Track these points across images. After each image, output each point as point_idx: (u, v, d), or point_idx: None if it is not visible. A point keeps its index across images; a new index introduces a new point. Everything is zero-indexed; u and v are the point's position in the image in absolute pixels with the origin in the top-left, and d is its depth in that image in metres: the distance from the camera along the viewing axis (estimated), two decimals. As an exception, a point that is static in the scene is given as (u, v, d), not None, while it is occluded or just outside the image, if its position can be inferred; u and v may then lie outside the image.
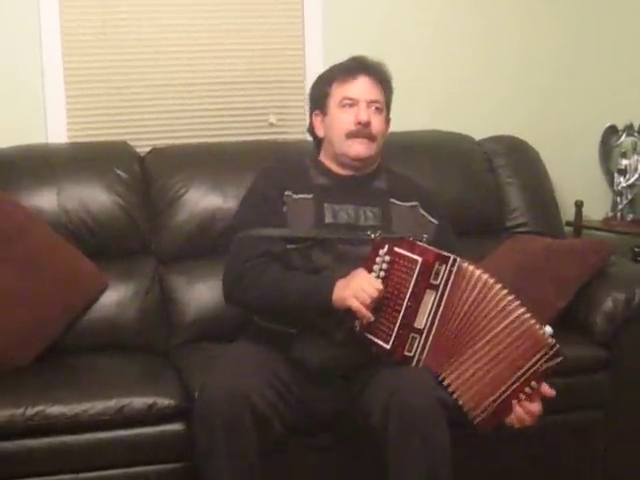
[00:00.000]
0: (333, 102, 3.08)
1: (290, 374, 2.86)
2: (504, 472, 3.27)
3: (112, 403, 2.91)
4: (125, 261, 3.50)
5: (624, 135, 4.29)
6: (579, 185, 4.29)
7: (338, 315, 2.80)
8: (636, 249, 4.22)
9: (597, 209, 4.32)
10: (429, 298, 2.72)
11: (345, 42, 3.99)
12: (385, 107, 3.12)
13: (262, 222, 3.01)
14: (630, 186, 4.27)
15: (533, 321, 2.72)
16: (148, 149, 3.74)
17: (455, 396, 2.77)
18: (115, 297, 3.42)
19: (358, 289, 2.73)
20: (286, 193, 3.03)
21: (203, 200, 3.52)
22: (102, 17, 3.79)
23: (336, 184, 3.10)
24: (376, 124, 3.06)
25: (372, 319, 2.74)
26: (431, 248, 2.77)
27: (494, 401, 2.74)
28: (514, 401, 2.74)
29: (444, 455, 2.69)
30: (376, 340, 2.76)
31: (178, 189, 3.57)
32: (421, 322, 2.73)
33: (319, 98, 3.14)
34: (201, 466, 2.76)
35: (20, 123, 3.72)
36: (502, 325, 2.73)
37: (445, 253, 2.75)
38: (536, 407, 2.77)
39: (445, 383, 2.77)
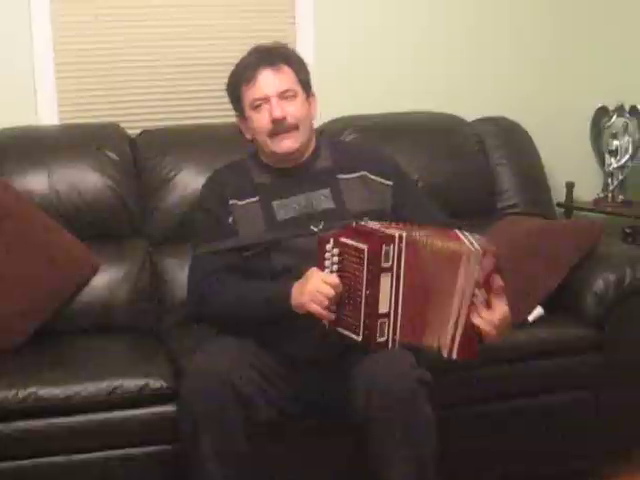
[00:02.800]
0: (246, 106, 3.02)
1: (275, 360, 2.86)
2: (493, 451, 3.28)
3: (104, 385, 2.92)
4: (116, 243, 3.50)
5: (615, 116, 4.29)
6: (570, 166, 4.30)
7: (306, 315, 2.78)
8: (627, 230, 4.22)
9: (588, 190, 4.33)
10: (386, 281, 2.67)
11: (337, 22, 4.00)
12: (301, 87, 3.03)
13: (212, 237, 2.99)
14: (621, 167, 4.27)
15: (440, 243, 2.68)
16: (139, 131, 3.74)
17: (425, 348, 2.74)
18: (106, 279, 3.42)
19: (314, 292, 2.70)
20: (230, 202, 3.00)
21: (194, 182, 3.50)
22: (93, -1, 3.78)
23: (279, 179, 3.05)
24: (294, 112, 2.98)
25: (333, 318, 2.71)
26: (377, 229, 2.73)
27: (454, 328, 2.70)
28: (472, 318, 2.69)
29: (428, 435, 2.70)
30: (347, 333, 2.72)
31: (169, 171, 3.57)
32: (385, 306, 2.68)
33: (235, 102, 3.08)
34: (186, 448, 2.76)
35: (11, 105, 3.71)
36: (432, 266, 2.68)
37: (390, 231, 2.69)
38: (497, 313, 2.72)
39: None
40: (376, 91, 4.05)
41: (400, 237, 2.67)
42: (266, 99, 2.97)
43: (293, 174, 3.06)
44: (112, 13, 3.82)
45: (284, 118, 2.96)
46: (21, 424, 2.87)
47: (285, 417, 2.88)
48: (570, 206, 4.26)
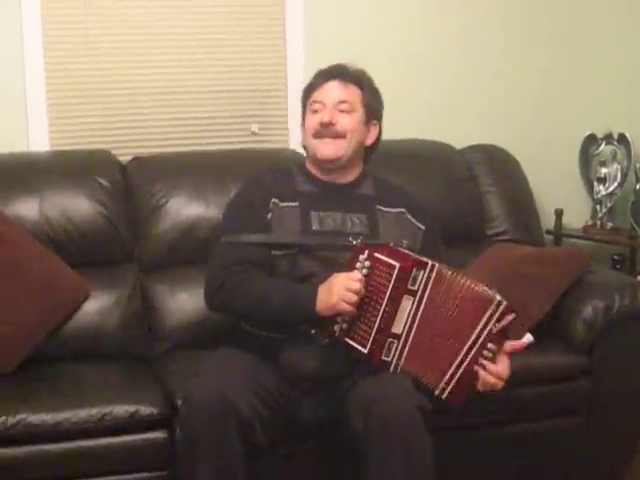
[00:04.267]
0: (308, 109, 3.12)
1: (275, 381, 2.86)
2: (483, 476, 3.29)
3: (94, 411, 2.91)
4: (107, 269, 3.50)
5: (603, 144, 4.32)
6: (559, 193, 4.32)
7: (319, 320, 2.81)
8: (615, 257, 4.26)
9: (577, 217, 4.35)
10: (407, 303, 2.73)
11: (326, 52, 3.99)
12: (364, 109, 3.11)
13: (245, 228, 3.01)
14: (609, 194, 4.29)
15: (474, 285, 2.74)
16: (130, 157, 3.74)
17: (417, 377, 2.77)
18: (97, 305, 3.41)
19: (343, 291, 2.74)
20: (273, 200, 3.04)
21: (185, 209, 3.53)
22: (85, 25, 3.80)
23: (322, 191, 3.11)
24: (344, 123, 3.05)
25: (346, 327, 2.76)
26: (410, 254, 2.78)
27: (455, 371, 2.74)
28: (476, 367, 2.74)
29: (425, 461, 2.70)
30: (354, 344, 2.77)
31: (160, 197, 3.57)
32: (399, 327, 2.74)
33: (303, 107, 3.17)
34: (185, 472, 2.75)
35: (2, 131, 3.72)
36: (452, 301, 2.75)
37: (424, 259, 2.76)
38: (500, 368, 2.77)
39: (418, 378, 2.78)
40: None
41: (432, 266, 2.73)
42: (323, 104, 3.06)
43: (335, 191, 3.11)
44: (103, 40, 3.83)
45: (331, 123, 3.03)
46: (10, 450, 2.86)
47: (281, 443, 2.88)
48: (559, 233, 4.28)
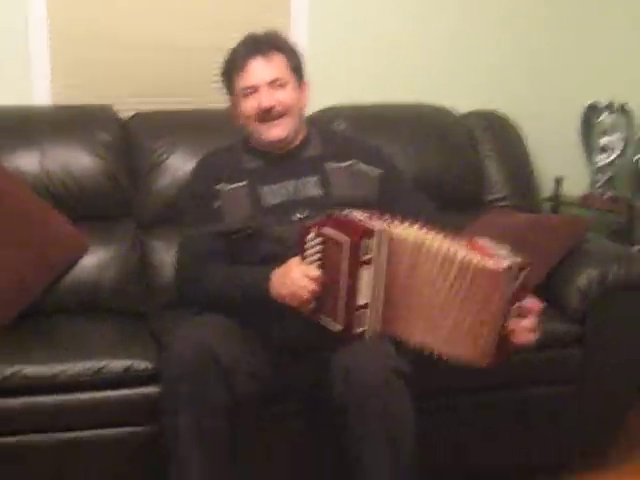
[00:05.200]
0: (238, 93, 3.08)
1: (260, 341, 2.89)
2: (473, 444, 3.32)
3: (90, 365, 2.94)
4: (106, 224, 3.51)
5: (605, 113, 4.31)
6: (559, 161, 4.31)
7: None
8: (613, 227, 4.26)
9: (576, 186, 4.34)
10: (366, 273, 2.68)
11: (329, 12, 4.01)
12: (292, 74, 3.08)
13: (199, 221, 3.03)
14: (610, 164, 4.29)
15: (478, 258, 2.62)
16: (132, 114, 3.74)
17: (445, 357, 2.71)
18: (95, 260, 3.43)
19: (295, 287, 2.73)
20: (217, 187, 3.05)
21: (185, 165, 3.51)
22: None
23: (269, 164, 3.10)
24: (284, 99, 3.03)
25: (312, 309, 2.74)
26: (358, 220, 2.72)
27: (486, 342, 2.66)
28: (508, 328, 2.67)
29: (405, 425, 2.71)
30: (326, 322, 2.75)
31: (160, 154, 3.58)
32: (365, 297, 2.70)
33: (227, 89, 3.14)
34: (166, 424, 2.76)
35: (4, 84, 3.71)
36: (451, 277, 2.66)
37: (372, 224, 2.69)
38: (529, 322, 2.72)
39: (427, 350, 2.73)
40: (366, 81, 4.07)
41: (381, 230, 2.68)
42: (255, 87, 3.02)
43: (282, 160, 3.10)
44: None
45: (272, 107, 3.01)
46: (6, 401, 2.88)
47: (265, 394, 2.89)
48: (558, 201, 4.28)
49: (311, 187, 3.06)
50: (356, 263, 2.67)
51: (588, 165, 4.36)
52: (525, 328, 2.72)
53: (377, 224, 2.70)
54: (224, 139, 3.25)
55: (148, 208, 3.59)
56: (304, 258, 2.77)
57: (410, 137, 3.81)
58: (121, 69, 3.88)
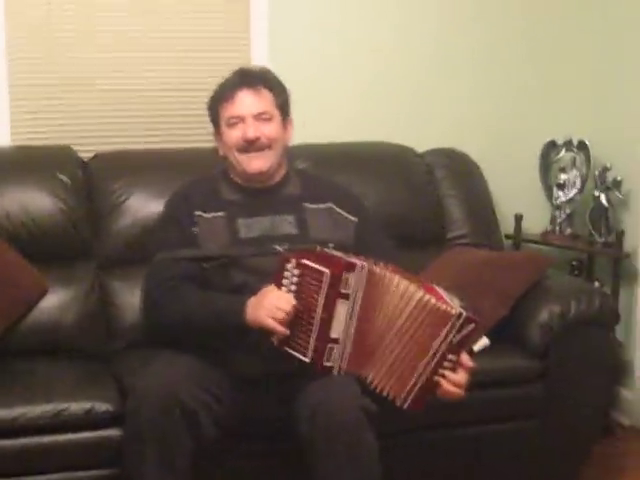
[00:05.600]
0: (223, 123, 3.10)
1: (225, 378, 2.87)
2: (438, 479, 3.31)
3: (50, 407, 2.91)
4: (66, 266, 3.49)
5: (563, 150, 4.34)
6: (519, 199, 4.34)
7: (256, 331, 2.79)
8: (574, 263, 4.29)
9: (536, 223, 4.37)
10: (342, 307, 2.70)
11: (291, 52, 4.02)
12: (278, 110, 3.11)
13: (174, 245, 3.03)
14: (568, 201, 4.31)
15: (433, 300, 2.71)
16: (92, 154, 3.73)
17: (378, 389, 2.76)
18: (55, 301, 3.40)
19: (272, 308, 2.72)
20: (196, 213, 3.05)
21: (145, 206, 3.52)
22: (47, 18, 3.79)
23: (247, 198, 3.12)
24: (269, 133, 3.06)
25: (288, 334, 2.74)
26: (339, 255, 2.78)
27: (415, 382, 2.73)
28: (436, 377, 2.73)
29: (371, 463, 2.71)
30: (295, 353, 2.75)
31: (120, 195, 3.57)
32: (337, 331, 2.72)
33: (213, 120, 3.17)
34: (131, 468, 2.75)
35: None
36: (406, 313, 2.73)
37: (354, 260, 2.74)
38: (460, 377, 2.77)
39: (368, 381, 2.77)
40: (329, 121, 4.08)
41: (362, 266, 2.71)
42: (242, 118, 3.05)
43: (261, 195, 3.12)
44: (66, 37, 3.82)
45: (257, 139, 3.04)
46: (-34, 445, 2.85)
47: (230, 437, 2.88)
48: (518, 238, 4.30)
49: (287, 225, 3.07)
50: (334, 295, 2.69)
51: (548, 202, 4.38)
52: (455, 381, 2.76)
53: (358, 261, 2.74)
54: (184, 179, 3.26)
55: (109, 249, 3.56)
56: (280, 287, 2.77)
57: (372, 175, 3.82)
58: (80, 110, 3.87)
